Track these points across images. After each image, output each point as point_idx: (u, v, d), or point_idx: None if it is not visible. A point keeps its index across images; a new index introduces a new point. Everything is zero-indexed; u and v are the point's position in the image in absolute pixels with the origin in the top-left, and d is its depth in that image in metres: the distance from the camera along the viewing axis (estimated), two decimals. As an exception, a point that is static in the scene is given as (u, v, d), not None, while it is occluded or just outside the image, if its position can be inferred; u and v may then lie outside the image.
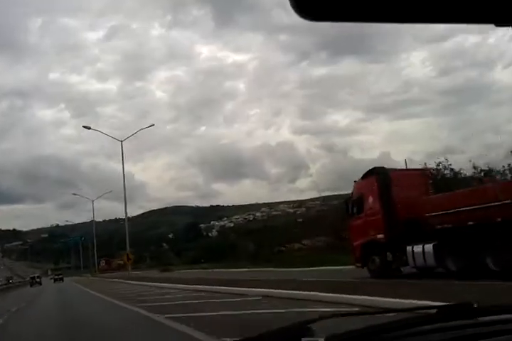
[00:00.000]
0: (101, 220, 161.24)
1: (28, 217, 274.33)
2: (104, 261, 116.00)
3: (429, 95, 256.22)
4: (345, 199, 21.43)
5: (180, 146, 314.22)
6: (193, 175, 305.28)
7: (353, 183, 21.03)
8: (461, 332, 1.49)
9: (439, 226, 16.31)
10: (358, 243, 19.95)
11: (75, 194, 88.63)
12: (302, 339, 1.48)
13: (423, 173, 20.67)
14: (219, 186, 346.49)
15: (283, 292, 14.75)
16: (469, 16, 0.94)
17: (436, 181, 24.00)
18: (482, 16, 0.94)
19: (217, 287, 20.58)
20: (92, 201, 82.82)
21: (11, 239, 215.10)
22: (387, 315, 1.89)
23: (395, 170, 20.27)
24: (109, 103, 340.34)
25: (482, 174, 29.28)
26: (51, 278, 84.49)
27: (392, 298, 10.36)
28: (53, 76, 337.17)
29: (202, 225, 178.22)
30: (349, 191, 21.52)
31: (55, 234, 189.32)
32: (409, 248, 17.37)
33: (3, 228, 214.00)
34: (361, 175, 20.27)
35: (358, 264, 20.12)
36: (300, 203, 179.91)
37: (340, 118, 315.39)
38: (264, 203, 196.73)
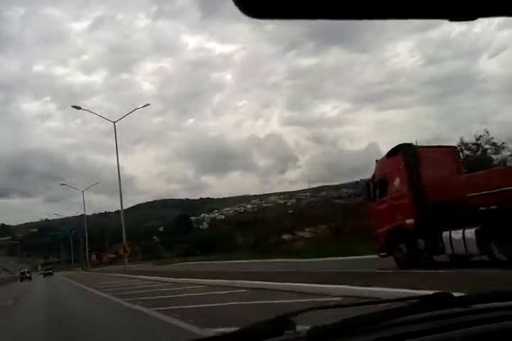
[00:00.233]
0: (90, 214, 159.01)
1: (16, 212, 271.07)
2: (94, 255, 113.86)
3: (416, 85, 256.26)
4: (366, 181, 19.28)
5: (169, 139, 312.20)
6: (182, 167, 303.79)
7: (373, 166, 18.91)
8: (442, 322, 1.49)
9: (482, 208, 14.32)
10: (382, 230, 17.86)
11: (63, 184, 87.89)
12: (285, 332, 1.47)
13: (453, 150, 18.57)
14: (208, 178, 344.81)
15: (341, 287, 11.70)
16: (422, 11, 0.91)
17: (475, 157, 22.07)
18: (435, 11, 0.91)
19: (254, 282, 16.09)
20: (82, 192, 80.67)
21: (0, 234, 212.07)
22: (369, 306, 1.77)
23: (423, 147, 18.15)
24: (94, 95, 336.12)
25: None
26: (40, 273, 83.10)
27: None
28: (38, 68, 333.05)
29: (192, 218, 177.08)
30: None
31: (45, 229, 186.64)
32: (445, 234, 15.37)
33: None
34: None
35: (383, 253, 18.05)
36: (290, 195, 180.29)
37: (328, 108, 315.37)
38: (255, 195, 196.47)
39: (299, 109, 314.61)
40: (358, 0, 0.88)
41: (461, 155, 18.46)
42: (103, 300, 17.64)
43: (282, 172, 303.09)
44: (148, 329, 9.45)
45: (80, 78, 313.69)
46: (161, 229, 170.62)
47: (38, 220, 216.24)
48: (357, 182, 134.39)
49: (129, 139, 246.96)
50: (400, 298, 1.88)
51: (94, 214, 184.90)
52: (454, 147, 18.47)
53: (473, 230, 14.50)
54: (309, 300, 10.66)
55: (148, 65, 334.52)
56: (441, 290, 1.75)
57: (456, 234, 14.99)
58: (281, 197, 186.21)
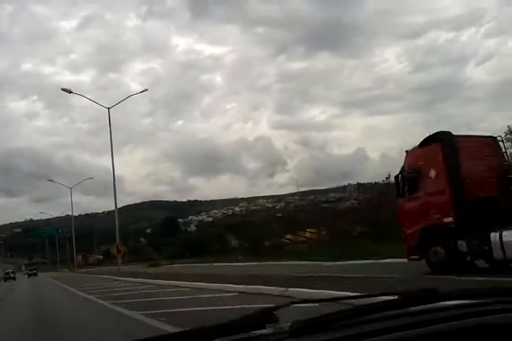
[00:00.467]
0: (76, 215, 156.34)
1: (0, 211, 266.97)
2: (80, 257, 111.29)
3: (404, 91, 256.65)
4: (396, 175, 17.03)
5: (158, 140, 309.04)
6: (171, 169, 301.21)
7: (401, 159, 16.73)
8: (422, 317, 1.49)
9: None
10: (413, 230, 15.64)
11: (50, 180, 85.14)
12: (266, 325, 1.49)
13: (494, 140, 16.40)
14: (197, 181, 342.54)
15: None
16: None
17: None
18: None
19: (287, 289, 12.42)
20: (70, 189, 77.98)
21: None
22: (351, 301, 1.85)
23: (461, 136, 15.94)
24: (83, 94, 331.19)
25: None
26: (25, 274, 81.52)
27: None
28: (25, 67, 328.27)
29: (180, 220, 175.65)
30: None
31: (29, 229, 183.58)
32: (494, 235, 13.26)
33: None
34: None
35: (414, 256, 15.81)
36: (279, 198, 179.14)
37: (316, 113, 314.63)
38: (243, 198, 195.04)
39: (288, 112, 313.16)
40: None
41: (502, 145, 16.16)
42: (109, 313, 13.19)
43: (271, 175, 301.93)
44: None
45: (67, 77, 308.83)
46: (148, 230, 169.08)
47: (22, 220, 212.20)
48: (344, 186, 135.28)
49: (118, 140, 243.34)
50: (383, 292, 1.86)
51: (80, 215, 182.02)
52: (494, 137, 16.30)
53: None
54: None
55: (138, 66, 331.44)
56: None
57: (510, 235, 12.88)
58: (270, 200, 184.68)
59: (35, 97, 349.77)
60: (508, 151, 17.84)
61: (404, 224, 16.40)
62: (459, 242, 14.26)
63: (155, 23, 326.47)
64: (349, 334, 1.39)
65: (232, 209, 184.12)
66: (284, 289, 12.39)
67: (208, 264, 46.60)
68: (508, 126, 29.16)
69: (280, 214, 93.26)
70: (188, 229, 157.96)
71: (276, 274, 19.66)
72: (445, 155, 14.84)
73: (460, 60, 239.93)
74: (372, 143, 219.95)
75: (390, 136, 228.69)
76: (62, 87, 43.66)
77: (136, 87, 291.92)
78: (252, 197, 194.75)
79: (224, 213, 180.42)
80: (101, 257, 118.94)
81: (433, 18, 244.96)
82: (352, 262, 25.15)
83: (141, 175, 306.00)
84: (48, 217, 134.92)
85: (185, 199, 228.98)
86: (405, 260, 16.74)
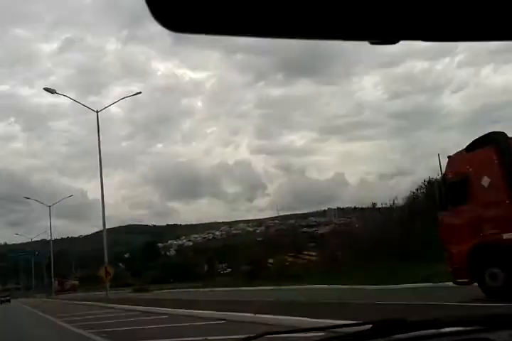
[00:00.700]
0: (52, 239, 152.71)
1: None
2: (56, 282, 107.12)
3: (381, 118, 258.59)
4: (437, 183, 14.61)
5: (136, 164, 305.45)
6: (149, 193, 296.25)
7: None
8: None
9: None
10: (461, 248, 13.17)
11: (27, 198, 79.66)
12: None
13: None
14: (176, 204, 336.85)
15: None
16: (345, 33, 0.93)
17: None
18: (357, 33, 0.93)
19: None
20: (49, 207, 74.78)
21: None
22: (321, 333, 1.88)
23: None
24: (61, 117, 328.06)
25: None
26: None
27: None
28: (3, 88, 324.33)
29: (160, 244, 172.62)
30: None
31: (3, 253, 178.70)
32: None
33: None
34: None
35: (463, 279, 13.34)
36: (259, 222, 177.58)
37: (296, 138, 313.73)
38: (223, 222, 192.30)
39: (267, 137, 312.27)
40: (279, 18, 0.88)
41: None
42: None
43: (251, 199, 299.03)
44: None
45: (47, 99, 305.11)
46: (126, 255, 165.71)
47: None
48: (324, 210, 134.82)
49: (94, 163, 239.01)
50: (355, 322, 1.82)
51: (56, 239, 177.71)
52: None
53: None
54: None
55: (117, 89, 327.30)
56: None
57: None
58: (250, 224, 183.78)
59: (12, 119, 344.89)
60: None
61: (448, 242, 13.88)
62: (524, 263, 11.88)
63: (136, 48, 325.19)
64: None
65: (212, 233, 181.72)
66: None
67: (207, 289, 43.25)
68: None
69: (261, 238, 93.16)
70: (168, 253, 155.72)
71: (332, 301, 15.97)
72: (502, 158, 12.48)
73: (435, 88, 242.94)
74: (351, 168, 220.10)
75: (367, 161, 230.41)
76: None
77: (115, 110, 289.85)
78: (233, 221, 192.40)
79: (204, 237, 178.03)
80: (77, 282, 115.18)
81: (409, 48, 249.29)
82: (380, 287, 22.40)
83: (119, 198, 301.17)
84: (24, 240, 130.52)
85: (164, 224, 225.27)
86: (440, 284, 14.36)
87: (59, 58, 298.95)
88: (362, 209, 53.93)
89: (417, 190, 35.39)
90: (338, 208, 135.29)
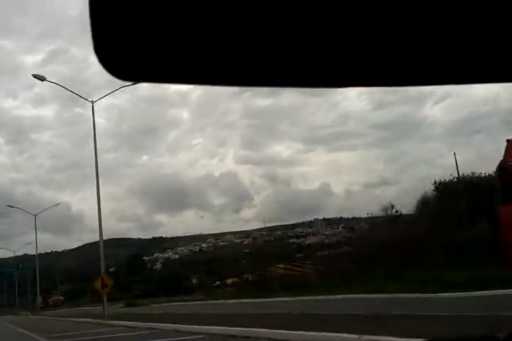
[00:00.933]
0: (34, 254, 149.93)
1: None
2: (40, 298, 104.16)
3: (365, 128, 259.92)
4: (497, 170, 12.39)
5: (121, 176, 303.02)
6: (134, 205, 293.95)
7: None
8: None
9: None
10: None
11: (11, 206, 76.16)
12: None
13: None
14: (161, 217, 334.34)
15: None
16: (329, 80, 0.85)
17: None
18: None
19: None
20: (35, 216, 72.05)
21: None
22: None
23: None
24: (45, 129, 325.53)
25: None
26: None
27: None
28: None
29: (145, 258, 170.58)
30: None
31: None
32: None
33: None
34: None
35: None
36: (247, 233, 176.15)
37: (282, 149, 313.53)
38: (210, 234, 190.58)
39: (253, 148, 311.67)
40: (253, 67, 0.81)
41: None
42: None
43: (237, 211, 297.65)
44: None
45: (30, 111, 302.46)
46: (112, 269, 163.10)
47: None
48: (311, 221, 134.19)
49: (77, 176, 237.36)
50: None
51: (40, 254, 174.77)
52: None
53: None
54: None
55: (102, 100, 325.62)
56: None
57: None
58: (237, 236, 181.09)
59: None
60: None
61: (508, 240, 11.72)
62: None
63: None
64: None
65: (199, 245, 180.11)
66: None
67: (213, 301, 40.71)
68: None
69: (248, 250, 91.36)
70: (154, 267, 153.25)
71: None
72: None
73: (419, 98, 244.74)
74: (336, 178, 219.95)
75: (352, 171, 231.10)
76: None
77: (100, 122, 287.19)
78: (219, 233, 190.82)
79: (191, 250, 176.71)
80: (61, 298, 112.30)
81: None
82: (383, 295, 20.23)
83: (103, 212, 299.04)
84: (6, 255, 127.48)
85: (149, 236, 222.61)
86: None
87: (43, 70, 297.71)
88: (347, 219, 53.22)
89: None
90: (324, 218, 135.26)
